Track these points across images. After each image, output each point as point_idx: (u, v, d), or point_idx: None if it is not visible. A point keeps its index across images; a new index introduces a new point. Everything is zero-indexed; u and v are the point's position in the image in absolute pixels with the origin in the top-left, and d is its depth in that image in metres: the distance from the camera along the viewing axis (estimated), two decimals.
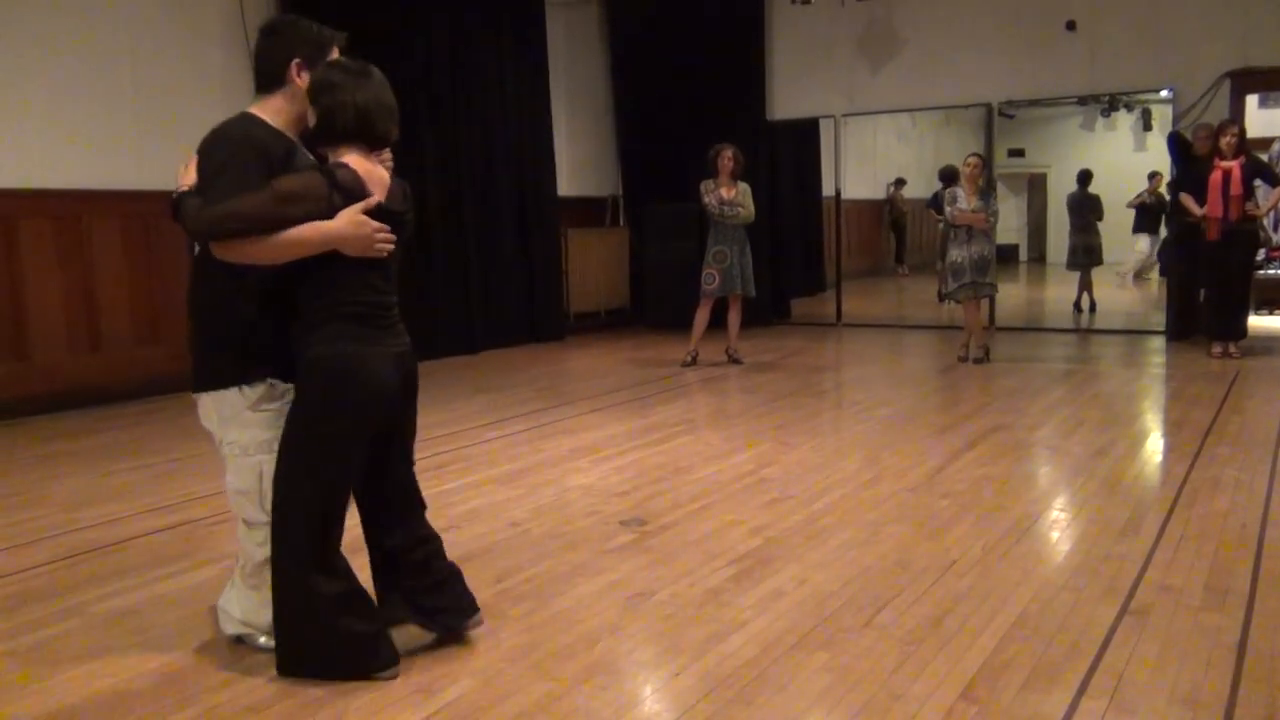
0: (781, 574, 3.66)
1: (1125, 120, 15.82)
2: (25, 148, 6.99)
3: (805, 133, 12.28)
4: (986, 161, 8.86)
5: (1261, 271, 10.73)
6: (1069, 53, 9.98)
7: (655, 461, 5.35)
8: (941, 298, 9.41)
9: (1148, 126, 15.35)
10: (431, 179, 9.42)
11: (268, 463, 2.93)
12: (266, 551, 2.94)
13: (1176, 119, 9.56)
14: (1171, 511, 4.28)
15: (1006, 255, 15.45)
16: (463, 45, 9.77)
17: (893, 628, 3.15)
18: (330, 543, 2.90)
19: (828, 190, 12.14)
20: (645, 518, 4.37)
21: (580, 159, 11.60)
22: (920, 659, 2.92)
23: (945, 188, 9.65)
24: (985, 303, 9.35)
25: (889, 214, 16.12)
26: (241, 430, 2.95)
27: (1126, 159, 14.33)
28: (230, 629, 3.14)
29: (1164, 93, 10.04)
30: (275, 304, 2.87)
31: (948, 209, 8.41)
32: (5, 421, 6.72)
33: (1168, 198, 12.74)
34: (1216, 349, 8.43)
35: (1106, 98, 12.20)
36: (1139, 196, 12.69)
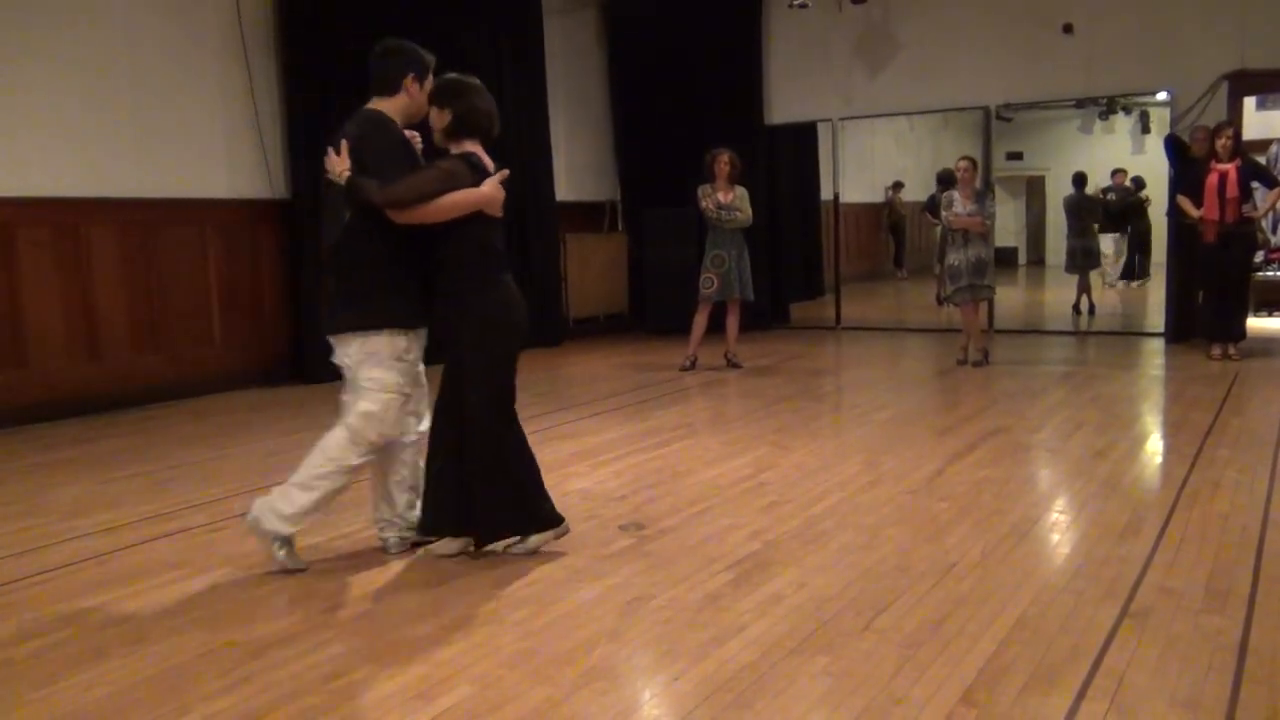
0: (780, 578, 3.65)
1: (1123, 123, 15.85)
2: (23, 155, 6.99)
3: (803, 137, 12.29)
4: (979, 165, 8.85)
5: (1260, 273, 10.74)
6: (1066, 55, 9.98)
7: (654, 466, 5.35)
8: (940, 301, 9.42)
9: (1146, 129, 15.39)
10: None
11: (395, 401, 3.77)
12: (350, 466, 3.79)
13: (1174, 121, 9.56)
14: (1171, 513, 4.28)
15: (1005, 258, 15.46)
16: (461, 51, 9.74)
17: (892, 631, 3.14)
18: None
19: (826, 194, 12.16)
20: (644, 522, 4.37)
21: (578, 164, 11.60)
22: (920, 662, 2.92)
23: (942, 191, 9.66)
24: (984, 305, 9.35)
25: (887, 217, 16.13)
26: (385, 372, 3.74)
27: (1125, 161, 14.34)
28: (267, 526, 3.77)
29: (1161, 95, 10.04)
30: (415, 267, 3.76)
31: (944, 213, 8.41)
32: (3, 429, 6.71)
33: (1135, 193, 12.80)
34: (1215, 351, 8.43)
35: (1104, 100, 12.23)
36: (1097, 191, 12.70)
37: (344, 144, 3.71)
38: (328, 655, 3.09)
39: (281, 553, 3.80)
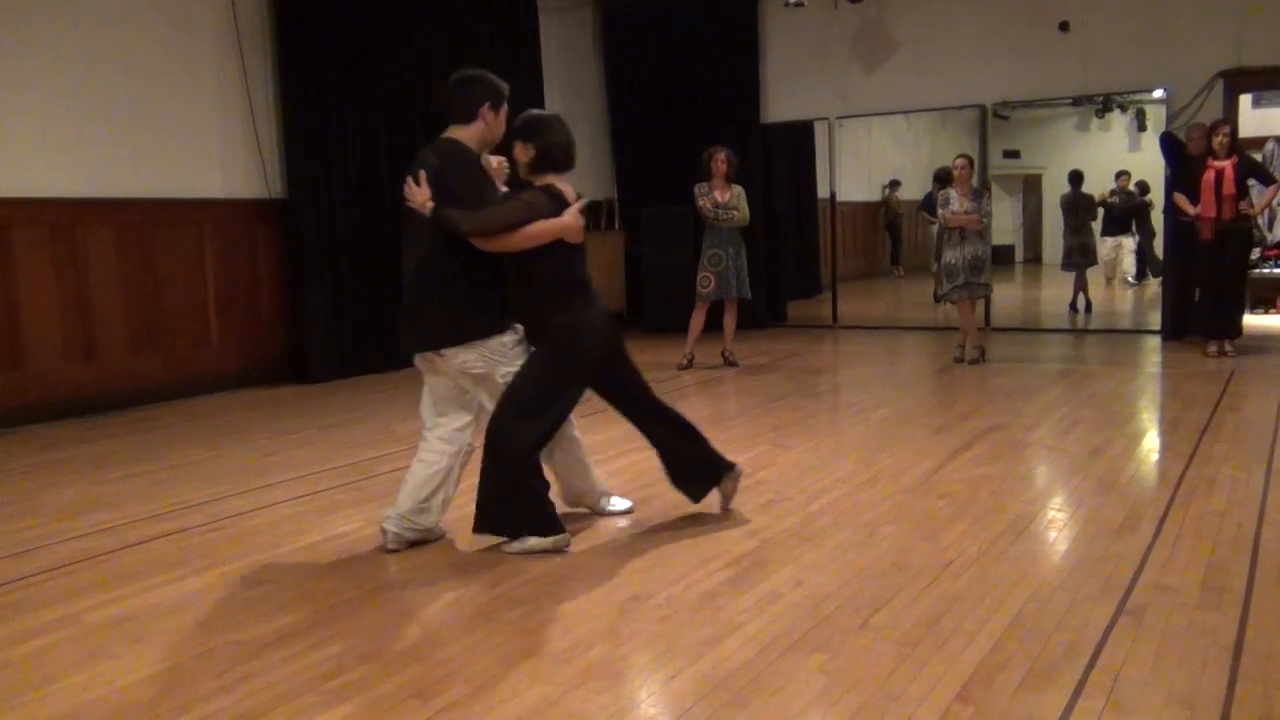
0: (778, 576, 3.65)
1: (1119, 121, 15.85)
2: (19, 156, 6.98)
3: (800, 135, 12.28)
4: (975, 162, 8.85)
5: (1256, 270, 10.74)
6: (1062, 54, 9.99)
7: (651, 465, 5.32)
8: (937, 299, 9.43)
9: (1142, 127, 15.38)
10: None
11: None
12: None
13: (1170, 119, 9.57)
14: (1168, 511, 4.28)
15: (1002, 256, 15.46)
16: (456, 50, 9.75)
17: (889, 629, 3.15)
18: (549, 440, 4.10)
19: (823, 193, 12.15)
20: (641, 520, 4.37)
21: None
22: (917, 660, 2.92)
23: (939, 189, 9.66)
24: (980, 303, 9.36)
25: (884, 216, 16.13)
26: (510, 365, 4.01)
27: (1121, 159, 14.33)
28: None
29: (1158, 93, 10.05)
30: (498, 277, 4.03)
31: (940, 211, 8.42)
32: (0, 430, 6.70)
33: (1139, 197, 12.80)
34: (1212, 348, 8.43)
35: (1100, 98, 12.23)
36: (1102, 196, 12.70)
37: (423, 174, 3.90)
38: (325, 655, 3.09)
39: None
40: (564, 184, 4.10)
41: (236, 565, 3.97)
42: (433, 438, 4.13)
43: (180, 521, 4.60)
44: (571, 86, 11.47)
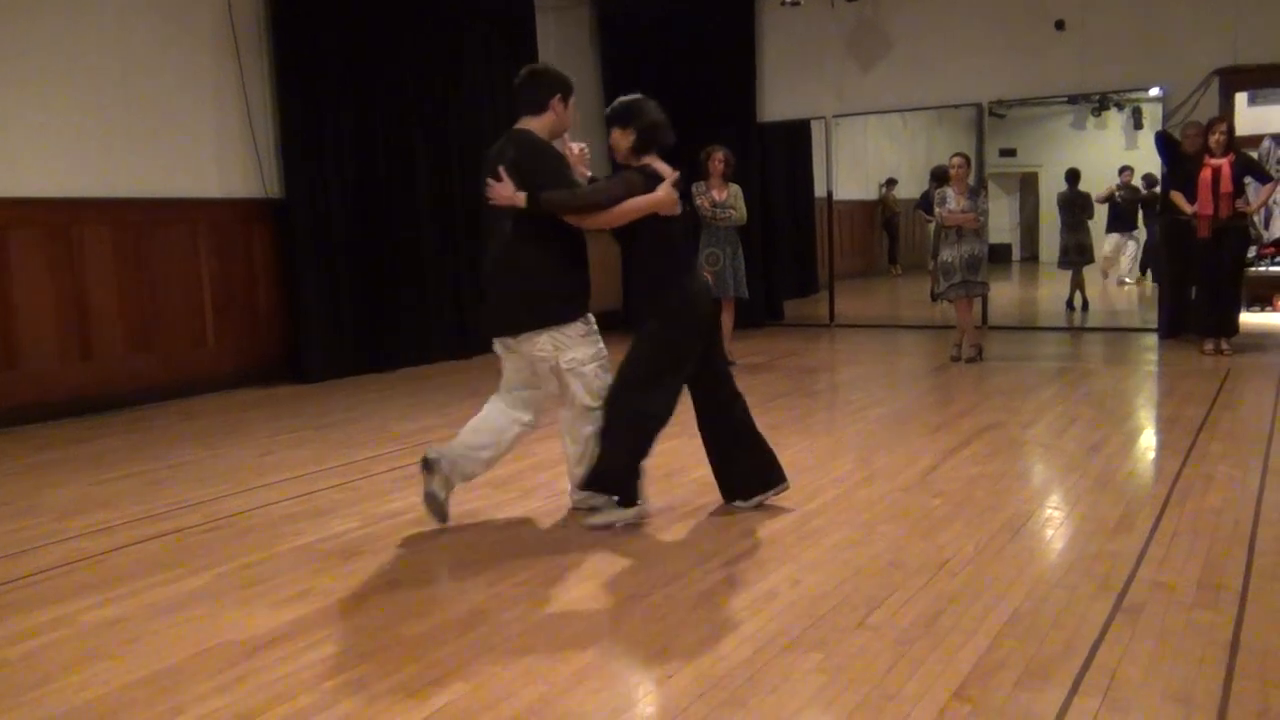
0: (774, 575, 3.65)
1: (1116, 119, 15.84)
2: (14, 156, 6.97)
3: (796, 134, 12.27)
4: (971, 161, 8.85)
5: (1253, 268, 10.76)
6: (1059, 52, 10.00)
7: (648, 464, 5.33)
8: (934, 297, 9.43)
9: (1138, 125, 15.36)
10: (423, 183, 9.41)
11: (598, 369, 4.26)
12: (592, 429, 4.22)
13: (1166, 117, 9.58)
14: (1164, 508, 4.29)
15: (999, 254, 15.44)
16: (454, 49, 9.76)
17: (886, 628, 3.15)
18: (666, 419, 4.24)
19: (820, 191, 12.15)
20: (638, 520, 4.37)
21: None
22: (914, 659, 2.92)
23: (936, 188, 9.66)
24: (977, 302, 9.36)
25: (881, 214, 16.13)
26: (579, 350, 4.21)
27: (1118, 157, 14.33)
28: (592, 504, 4.36)
29: (1154, 91, 10.06)
30: (577, 265, 4.26)
31: (937, 210, 8.42)
32: None
33: (1143, 191, 12.80)
34: (1208, 346, 8.44)
35: (1097, 97, 12.22)
36: (1109, 191, 12.70)
37: (502, 170, 4.08)
38: (322, 655, 3.09)
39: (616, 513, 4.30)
40: (659, 162, 4.27)
41: (233, 565, 3.97)
42: (504, 405, 4.41)
43: (177, 521, 4.59)
44: None
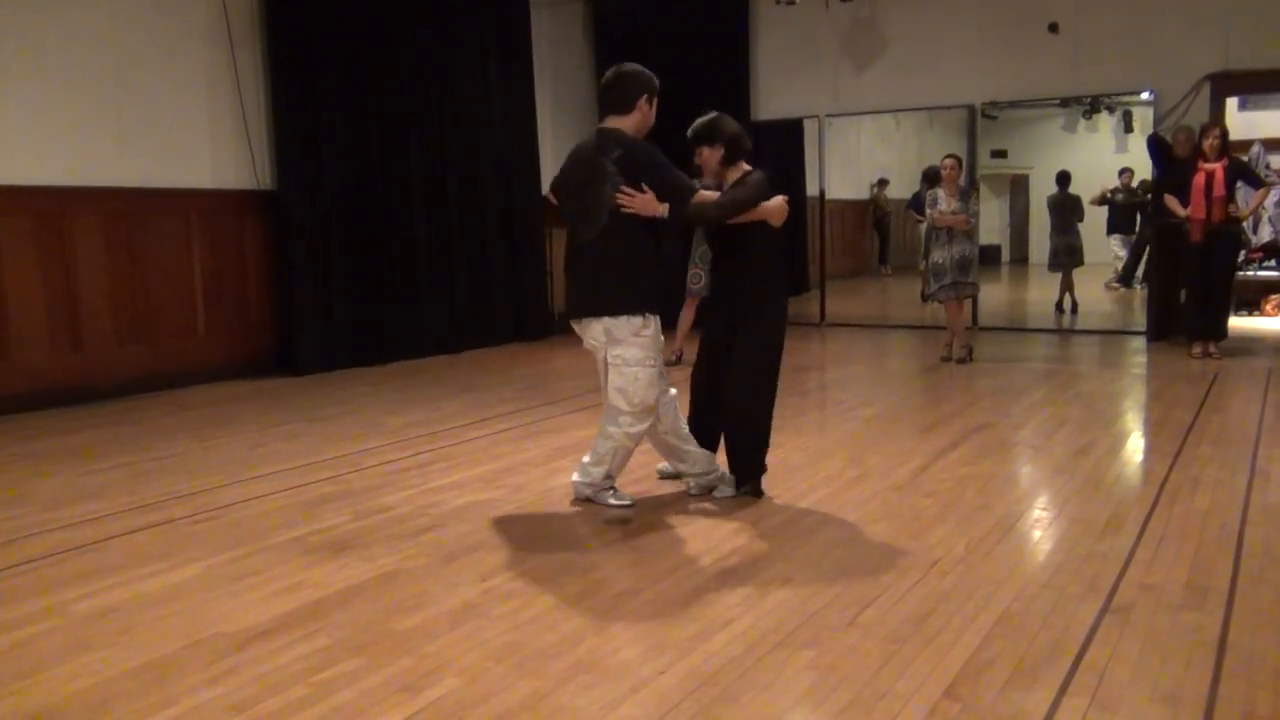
0: (766, 573, 3.67)
1: (1106, 122, 15.88)
2: (5, 144, 6.93)
3: (789, 133, 12.28)
4: (963, 162, 8.88)
5: (1241, 273, 10.81)
6: (1051, 55, 10.03)
7: (639, 460, 5.33)
8: (924, 298, 9.47)
9: (1129, 129, 15.42)
10: (417, 179, 9.39)
11: (640, 374, 4.31)
12: (624, 432, 4.39)
13: (1157, 121, 9.62)
14: (1152, 510, 4.31)
15: (989, 256, 15.48)
16: (447, 46, 9.75)
17: (876, 627, 3.16)
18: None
19: (812, 191, 12.16)
20: (629, 516, 4.38)
21: (565, 158, 11.55)
22: (904, 658, 2.94)
23: (927, 188, 9.69)
24: (967, 303, 9.39)
25: (872, 214, 16.15)
26: (629, 349, 4.30)
27: (1108, 160, 14.39)
28: (585, 493, 4.53)
29: (1145, 95, 10.10)
30: (649, 265, 4.36)
31: (928, 211, 8.44)
32: None
33: (1143, 195, 12.84)
34: (1197, 349, 8.49)
35: (1088, 99, 12.26)
36: (1108, 193, 12.73)
37: (634, 186, 4.24)
38: (313, 648, 3.09)
39: (613, 498, 4.51)
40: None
41: (224, 557, 3.96)
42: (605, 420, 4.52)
43: (167, 513, 4.58)
44: (563, 83, 11.46)
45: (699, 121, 4.57)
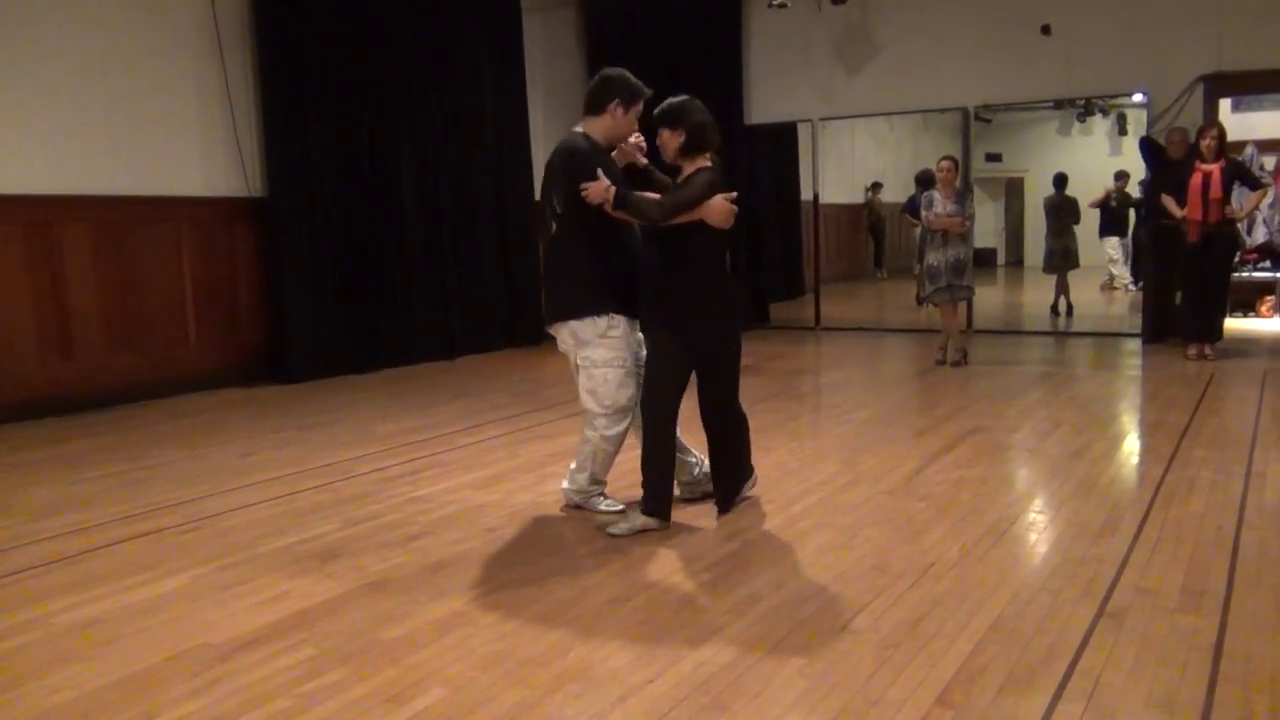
0: (758, 578, 3.63)
1: (1101, 125, 15.91)
2: None
3: (783, 137, 12.28)
4: (960, 165, 8.86)
5: (1237, 274, 10.80)
6: (1045, 57, 10.02)
7: (631, 467, 5.29)
8: (919, 301, 9.44)
9: (1123, 131, 15.44)
10: (408, 184, 9.37)
11: (609, 375, 4.25)
12: (600, 434, 4.33)
13: (1151, 123, 9.62)
14: (1148, 513, 4.28)
15: (984, 259, 15.50)
16: (439, 48, 9.73)
17: (869, 632, 3.13)
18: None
19: (806, 194, 12.15)
20: (620, 522, 4.34)
21: None
22: (897, 663, 2.90)
23: (922, 192, 9.67)
24: (962, 306, 9.37)
25: (867, 218, 16.15)
26: (594, 350, 4.25)
27: (1102, 163, 14.40)
28: (575, 499, 4.54)
29: (1138, 97, 10.09)
30: (616, 263, 4.26)
31: (924, 213, 8.42)
32: None
33: (1133, 197, 12.85)
34: (1192, 351, 8.47)
35: (1082, 102, 12.27)
36: (1104, 196, 12.74)
37: (599, 171, 4.15)
38: (299, 658, 3.05)
39: (604, 504, 4.51)
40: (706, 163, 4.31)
41: (211, 567, 3.92)
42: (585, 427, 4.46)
43: (155, 522, 4.54)
44: (555, 87, 11.43)
45: (667, 101, 4.37)
